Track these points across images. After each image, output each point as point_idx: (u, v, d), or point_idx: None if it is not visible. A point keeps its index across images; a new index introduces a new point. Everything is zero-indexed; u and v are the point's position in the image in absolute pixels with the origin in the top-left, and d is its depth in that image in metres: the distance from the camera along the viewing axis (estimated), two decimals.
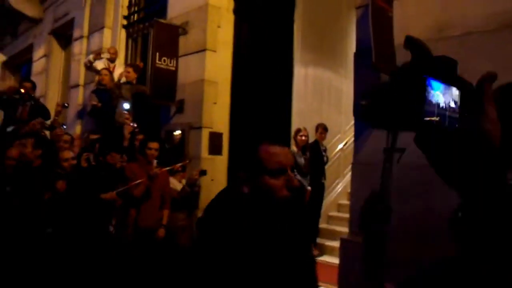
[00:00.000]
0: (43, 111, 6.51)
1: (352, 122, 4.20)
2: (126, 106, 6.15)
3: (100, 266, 4.27)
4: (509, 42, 2.92)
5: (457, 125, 0.84)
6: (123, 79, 6.70)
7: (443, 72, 0.83)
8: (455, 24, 3.21)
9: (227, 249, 1.51)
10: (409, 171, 3.30)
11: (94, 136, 5.65)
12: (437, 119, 0.83)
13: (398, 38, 3.46)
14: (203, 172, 5.08)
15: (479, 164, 0.85)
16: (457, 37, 3.18)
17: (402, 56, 3.27)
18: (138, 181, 4.57)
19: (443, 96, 0.82)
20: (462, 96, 0.83)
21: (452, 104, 0.83)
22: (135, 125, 5.82)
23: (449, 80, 0.83)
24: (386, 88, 0.87)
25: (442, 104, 0.82)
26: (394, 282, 1.15)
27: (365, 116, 0.89)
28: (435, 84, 0.82)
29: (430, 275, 1.05)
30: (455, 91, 0.83)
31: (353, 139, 4.55)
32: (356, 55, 3.88)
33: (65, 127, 6.92)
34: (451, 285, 1.01)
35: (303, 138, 6.28)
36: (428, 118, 0.82)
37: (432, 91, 0.81)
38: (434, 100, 0.82)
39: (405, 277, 1.28)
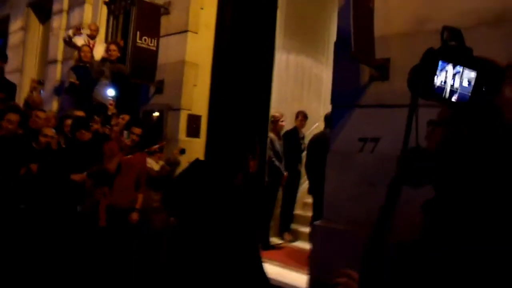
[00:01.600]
0: (9, 87, 6.29)
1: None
2: (111, 92, 6.08)
3: (68, 245, 4.27)
4: (485, 39, 2.98)
5: (468, 99, 0.91)
6: (103, 56, 6.61)
7: (459, 57, 0.92)
8: (434, 18, 3.26)
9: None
10: (383, 161, 3.38)
11: (78, 113, 5.54)
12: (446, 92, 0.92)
13: (378, 30, 3.50)
14: (182, 151, 5.11)
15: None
16: (435, 31, 3.22)
17: (381, 48, 3.31)
18: (111, 159, 4.57)
19: (455, 77, 0.91)
20: (479, 74, 0.90)
21: (465, 84, 0.91)
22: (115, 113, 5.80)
23: (465, 63, 0.91)
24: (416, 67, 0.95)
25: (453, 83, 0.91)
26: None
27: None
28: (448, 66, 0.92)
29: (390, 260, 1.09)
30: (470, 73, 0.91)
31: None
32: (337, 44, 3.90)
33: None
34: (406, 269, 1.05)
35: (283, 123, 6.35)
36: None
37: (442, 73, 0.92)
38: (443, 80, 0.92)
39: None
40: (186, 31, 5.66)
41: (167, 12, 5.85)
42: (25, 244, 4.11)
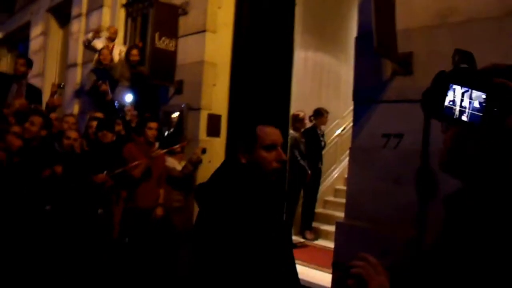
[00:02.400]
0: (35, 94, 6.35)
1: (351, 108, 4.20)
2: (129, 98, 6.13)
3: (90, 249, 4.30)
4: (511, 30, 2.91)
5: (480, 120, 0.91)
6: (124, 60, 6.66)
7: (469, 79, 0.93)
8: (458, 10, 3.19)
9: (229, 214, 1.77)
10: (407, 157, 3.33)
11: (98, 115, 5.60)
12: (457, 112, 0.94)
13: (400, 23, 3.44)
14: (204, 150, 5.15)
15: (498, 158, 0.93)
16: (460, 23, 3.16)
17: (404, 42, 3.26)
18: (136, 163, 4.59)
19: (467, 98, 0.92)
20: (490, 96, 0.90)
21: (476, 104, 0.91)
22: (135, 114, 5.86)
23: (475, 86, 0.91)
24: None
25: (464, 104, 0.92)
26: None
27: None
28: (458, 88, 0.93)
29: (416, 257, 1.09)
30: (481, 95, 0.91)
31: (351, 125, 4.55)
32: (358, 39, 3.85)
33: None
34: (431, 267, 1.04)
35: (307, 122, 6.38)
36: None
37: (454, 95, 0.93)
38: (456, 101, 0.93)
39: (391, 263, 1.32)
40: (204, 31, 5.66)
41: (185, 13, 5.87)
42: (49, 246, 4.16)
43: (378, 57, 3.50)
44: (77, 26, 8.56)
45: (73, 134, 4.74)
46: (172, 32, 5.76)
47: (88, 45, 7.27)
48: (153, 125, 4.84)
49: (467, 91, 0.91)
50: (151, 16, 5.74)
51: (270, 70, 5.66)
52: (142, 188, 4.69)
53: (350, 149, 3.91)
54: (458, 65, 0.98)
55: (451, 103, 0.93)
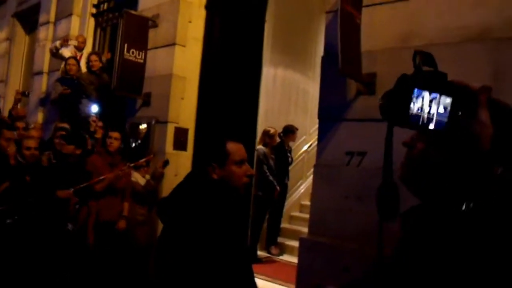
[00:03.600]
0: None
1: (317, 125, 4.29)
2: (95, 109, 6.05)
3: (55, 263, 4.19)
4: (469, 56, 3.04)
5: (445, 126, 0.88)
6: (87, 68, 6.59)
7: (432, 83, 0.89)
8: (420, 34, 3.31)
9: (199, 228, 1.81)
10: (369, 175, 3.40)
11: (64, 125, 5.48)
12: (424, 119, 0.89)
13: (365, 45, 3.54)
14: (166, 162, 5.09)
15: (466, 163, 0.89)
16: (421, 47, 3.27)
17: (368, 62, 3.36)
18: (101, 178, 4.52)
19: (431, 103, 0.88)
20: (454, 100, 0.88)
21: (441, 110, 0.88)
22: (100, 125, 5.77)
23: (439, 90, 0.89)
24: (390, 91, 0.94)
25: (430, 110, 0.88)
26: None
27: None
28: (423, 93, 0.89)
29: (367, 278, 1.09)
30: (446, 99, 0.88)
31: (317, 142, 4.63)
32: (324, 58, 3.94)
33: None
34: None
35: (277, 139, 6.44)
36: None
37: (419, 100, 0.88)
38: (420, 107, 0.88)
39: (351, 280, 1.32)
40: (174, 44, 5.66)
41: (155, 25, 5.86)
42: (11, 260, 4.03)
43: (343, 77, 3.59)
44: (45, 34, 8.42)
45: (31, 143, 4.61)
46: (142, 44, 5.73)
47: (55, 53, 7.15)
48: (115, 135, 4.76)
49: (435, 98, 0.88)
50: (121, 27, 5.70)
51: (238, 85, 5.70)
52: (106, 201, 4.62)
53: (315, 165, 3.97)
54: (420, 67, 0.92)
55: (419, 110, 0.89)
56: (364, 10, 3.60)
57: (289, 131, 6.74)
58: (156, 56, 5.80)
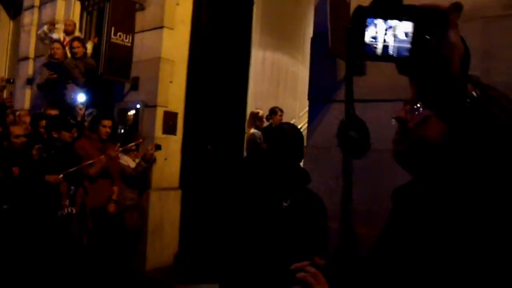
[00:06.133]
0: None
1: (307, 108, 4.28)
2: (81, 98, 5.96)
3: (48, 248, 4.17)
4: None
5: (409, 52, 0.84)
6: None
7: (387, 10, 0.85)
8: None
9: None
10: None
11: (51, 111, 5.41)
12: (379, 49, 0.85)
13: None
14: (158, 147, 5.07)
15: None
16: None
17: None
18: (92, 161, 4.47)
19: (388, 31, 0.85)
20: (418, 24, 0.84)
21: (402, 36, 0.84)
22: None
23: (396, 16, 0.84)
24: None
25: (387, 39, 0.85)
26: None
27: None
28: (377, 21, 0.85)
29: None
30: (406, 25, 0.84)
31: (307, 125, 4.63)
32: (313, 39, 3.92)
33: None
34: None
35: (265, 122, 6.39)
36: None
37: (371, 29, 0.85)
38: (374, 37, 0.85)
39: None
40: (161, 27, 5.59)
41: (142, 8, 5.77)
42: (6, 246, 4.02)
43: (333, 58, 3.58)
44: (29, 18, 8.25)
45: (19, 130, 4.56)
46: (129, 28, 5.65)
47: (44, 38, 7.01)
48: (107, 123, 4.75)
49: (390, 27, 0.84)
50: (107, 10, 5.61)
51: (227, 68, 5.67)
52: (96, 186, 4.59)
53: (305, 147, 3.96)
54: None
55: (372, 40, 0.85)
56: None
57: (272, 112, 6.72)
58: (144, 39, 5.73)
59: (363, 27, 0.85)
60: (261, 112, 6.37)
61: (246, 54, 5.85)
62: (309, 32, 4.62)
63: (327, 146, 3.71)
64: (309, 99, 3.97)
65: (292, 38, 7.86)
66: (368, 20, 0.85)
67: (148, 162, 5.01)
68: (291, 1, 7.63)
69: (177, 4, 5.71)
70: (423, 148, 0.94)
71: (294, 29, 7.82)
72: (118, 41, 5.50)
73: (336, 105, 3.68)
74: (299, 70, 7.90)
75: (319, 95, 3.84)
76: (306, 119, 5.27)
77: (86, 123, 5.53)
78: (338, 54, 3.48)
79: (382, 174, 3.06)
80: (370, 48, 0.85)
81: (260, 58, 7.25)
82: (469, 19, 3.05)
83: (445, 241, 0.87)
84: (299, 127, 7.78)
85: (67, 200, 4.36)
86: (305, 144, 4.13)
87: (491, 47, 2.90)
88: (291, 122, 7.77)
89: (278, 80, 7.79)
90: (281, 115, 6.71)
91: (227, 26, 5.70)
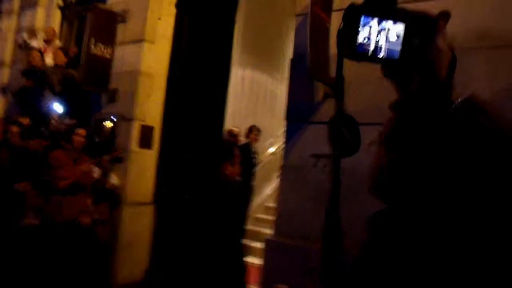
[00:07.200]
0: None
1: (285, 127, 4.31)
2: (58, 108, 5.88)
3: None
4: None
5: (399, 54, 0.84)
6: (52, 62, 6.41)
7: (381, 10, 0.85)
8: None
9: None
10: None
11: (23, 120, 5.31)
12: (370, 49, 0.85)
13: (334, 48, 3.58)
14: (116, 160, 4.99)
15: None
16: None
17: (336, 66, 3.38)
18: (64, 175, 4.39)
19: (382, 32, 0.84)
20: (408, 27, 0.84)
21: (393, 38, 0.84)
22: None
23: (390, 16, 0.84)
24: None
25: (380, 41, 0.84)
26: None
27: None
28: (372, 22, 0.84)
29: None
30: (398, 26, 0.84)
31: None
32: (293, 61, 3.97)
33: None
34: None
35: (242, 139, 6.41)
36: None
37: (365, 29, 0.84)
38: (367, 37, 0.84)
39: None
40: (142, 40, 5.59)
41: (123, 20, 5.76)
42: None
43: (311, 80, 3.62)
44: (7, 24, 8.11)
45: None
46: (109, 39, 5.62)
47: (24, 46, 6.91)
48: (81, 131, 4.68)
49: (383, 29, 0.83)
50: (88, 21, 5.58)
51: (206, 85, 5.66)
52: (68, 198, 4.49)
53: (282, 167, 3.98)
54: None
55: (366, 40, 0.84)
56: (333, 14, 3.64)
57: (249, 131, 6.75)
58: (124, 52, 5.70)
59: (357, 26, 0.84)
60: (236, 130, 6.39)
61: (226, 72, 5.86)
62: (289, 52, 4.68)
63: (303, 165, 3.73)
64: (286, 119, 4.00)
65: (272, 57, 7.94)
66: (363, 20, 0.84)
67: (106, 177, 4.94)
68: (272, 22, 7.72)
69: (159, 19, 5.72)
70: (394, 176, 0.94)
71: (274, 48, 7.90)
72: (97, 52, 5.46)
73: (313, 126, 3.71)
74: (278, 89, 7.96)
75: (296, 116, 3.87)
76: (284, 139, 5.32)
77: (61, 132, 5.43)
78: (316, 76, 3.53)
79: (359, 195, 3.08)
80: (362, 48, 0.84)
81: (240, 76, 7.29)
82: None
83: (425, 267, 0.87)
84: (276, 146, 7.87)
85: (30, 211, 4.27)
86: (281, 163, 4.17)
87: (465, 77, 2.98)
88: (269, 141, 7.82)
89: (257, 99, 7.84)
90: (256, 134, 6.74)
91: (208, 43, 5.72)
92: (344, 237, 1.03)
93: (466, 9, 3.05)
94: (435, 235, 0.88)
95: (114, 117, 5.51)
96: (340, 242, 1.03)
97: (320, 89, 3.68)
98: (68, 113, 5.89)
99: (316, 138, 3.67)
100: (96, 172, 4.86)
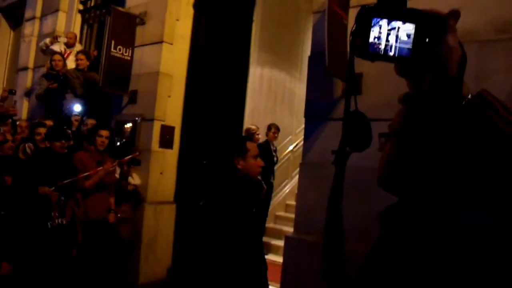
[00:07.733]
0: None
1: (303, 125, 4.32)
2: (78, 108, 6.00)
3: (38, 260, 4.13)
4: None
5: (410, 53, 0.87)
6: (74, 65, 6.54)
7: (392, 11, 0.88)
8: None
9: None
10: (354, 173, 3.43)
11: (47, 122, 5.42)
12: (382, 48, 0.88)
13: None
14: (136, 162, 5.06)
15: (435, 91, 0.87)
16: None
17: (355, 62, 3.39)
18: (88, 173, 4.46)
19: (393, 34, 0.87)
20: (419, 26, 0.87)
21: (404, 38, 0.87)
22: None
23: (400, 17, 0.87)
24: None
25: (390, 40, 0.87)
26: None
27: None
28: (382, 22, 0.87)
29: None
30: (408, 26, 0.87)
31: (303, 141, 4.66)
32: (311, 58, 3.97)
33: None
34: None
35: (259, 137, 6.41)
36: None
37: (376, 29, 0.87)
38: (378, 36, 0.87)
39: None
40: (161, 41, 5.65)
41: (142, 23, 5.84)
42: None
43: (330, 77, 3.62)
44: (30, 29, 8.32)
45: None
46: (129, 41, 5.70)
47: (45, 50, 7.06)
48: (104, 133, 4.73)
49: (393, 28, 0.86)
50: (108, 23, 5.67)
51: (225, 84, 5.72)
52: (94, 197, 4.56)
53: (301, 164, 3.99)
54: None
55: (376, 39, 0.87)
56: (351, 10, 3.64)
57: (268, 129, 6.77)
58: (143, 53, 5.78)
59: (369, 27, 0.87)
60: (253, 128, 6.41)
61: (244, 71, 5.91)
62: (307, 50, 4.68)
63: (322, 163, 3.73)
64: (305, 116, 4.01)
65: (290, 55, 7.94)
66: (374, 21, 0.87)
67: (124, 178, 5.02)
68: (290, 19, 7.73)
69: (177, 20, 5.78)
70: (398, 171, 0.98)
71: (292, 46, 7.90)
72: (117, 55, 5.55)
73: (332, 123, 3.71)
74: (296, 87, 7.96)
75: (315, 113, 3.88)
76: (303, 136, 5.32)
77: (84, 133, 5.54)
78: (335, 73, 3.53)
79: (373, 191, 3.08)
80: (374, 47, 0.88)
81: (258, 74, 7.31)
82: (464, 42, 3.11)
83: (433, 262, 0.88)
84: (295, 144, 7.87)
85: (57, 211, 4.33)
86: (300, 161, 4.18)
87: (483, 71, 2.95)
88: (288, 139, 7.83)
89: (276, 97, 7.85)
90: (274, 132, 6.75)
91: (226, 42, 5.77)
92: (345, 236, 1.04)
93: (484, 2, 3.02)
94: (443, 228, 0.89)
95: (136, 117, 5.60)
96: (342, 238, 1.03)
97: (339, 86, 3.68)
98: (89, 114, 6.00)
99: (335, 135, 3.66)
100: (117, 172, 4.94)
